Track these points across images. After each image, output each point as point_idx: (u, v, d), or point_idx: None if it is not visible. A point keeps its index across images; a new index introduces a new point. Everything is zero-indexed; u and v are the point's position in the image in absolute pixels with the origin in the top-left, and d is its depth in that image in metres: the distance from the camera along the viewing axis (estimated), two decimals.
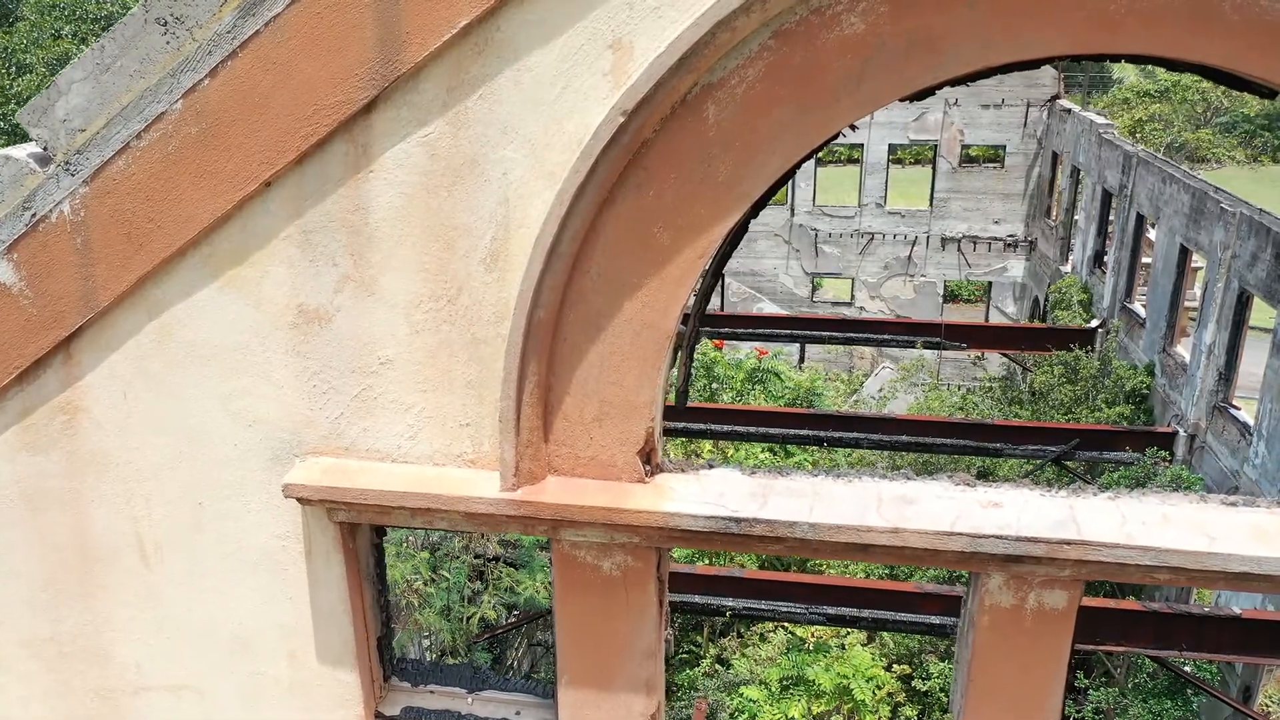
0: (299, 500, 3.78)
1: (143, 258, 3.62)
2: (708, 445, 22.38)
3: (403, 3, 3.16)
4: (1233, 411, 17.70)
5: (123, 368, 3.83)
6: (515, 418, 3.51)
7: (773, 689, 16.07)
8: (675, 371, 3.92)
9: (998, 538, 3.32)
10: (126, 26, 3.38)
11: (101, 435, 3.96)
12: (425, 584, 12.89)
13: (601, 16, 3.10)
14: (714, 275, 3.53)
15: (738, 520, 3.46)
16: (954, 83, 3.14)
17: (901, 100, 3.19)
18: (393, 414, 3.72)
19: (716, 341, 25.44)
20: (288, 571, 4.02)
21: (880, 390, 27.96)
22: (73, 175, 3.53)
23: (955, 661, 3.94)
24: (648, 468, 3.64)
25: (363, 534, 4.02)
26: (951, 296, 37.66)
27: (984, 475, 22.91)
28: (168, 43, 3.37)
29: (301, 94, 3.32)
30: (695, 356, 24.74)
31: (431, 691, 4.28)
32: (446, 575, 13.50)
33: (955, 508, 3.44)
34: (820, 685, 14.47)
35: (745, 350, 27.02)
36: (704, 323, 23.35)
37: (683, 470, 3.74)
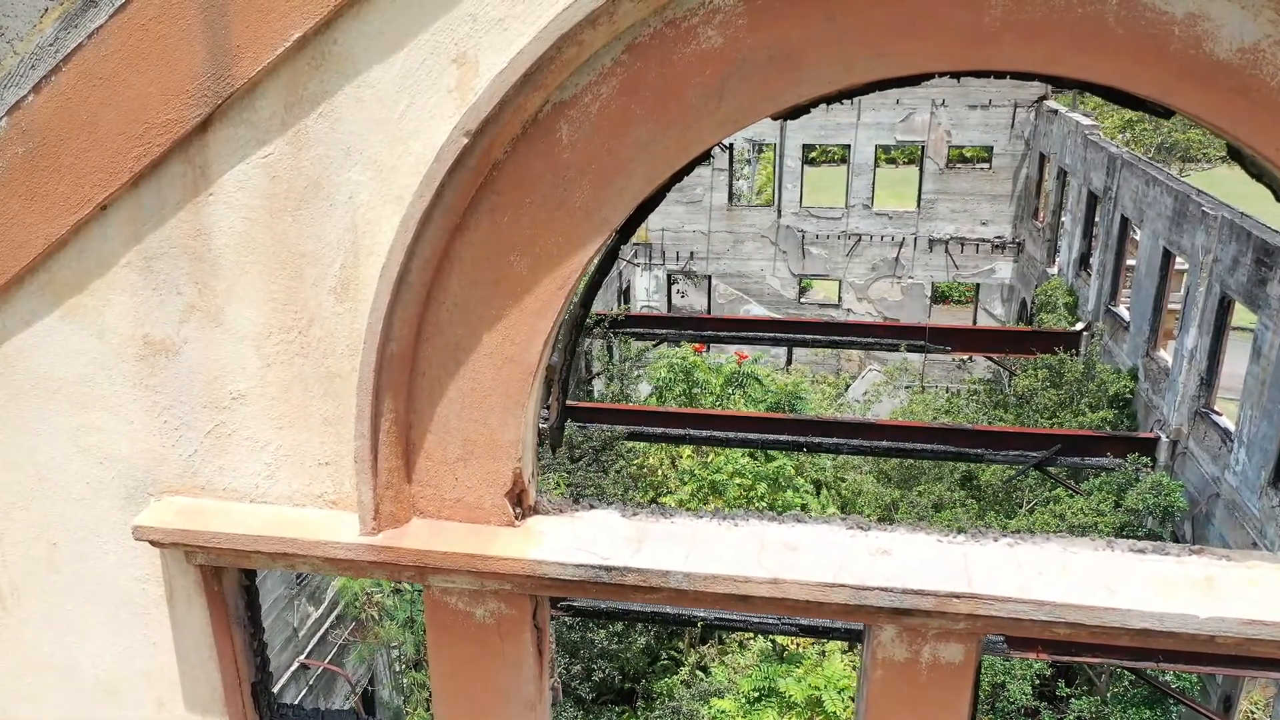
0: (151, 543, 3.54)
1: None
2: (687, 451, 22.14)
3: (231, 14, 2.92)
4: (1214, 417, 17.48)
5: None
6: (372, 457, 3.27)
7: (748, 698, 15.84)
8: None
9: (883, 590, 3.09)
10: None
11: None
12: (386, 596, 12.63)
13: (443, 29, 2.86)
14: (583, 305, 3.29)
15: (608, 569, 3.22)
16: (829, 100, 2.90)
17: (774, 118, 2.96)
18: (248, 451, 3.47)
19: (696, 345, 25.21)
20: (149, 615, 3.78)
21: (865, 394, 27.73)
22: None
23: (855, 714, 3.70)
24: (518, 510, 3.39)
25: (229, 576, 3.78)
26: (942, 298, 37.49)
27: (968, 479, 22.67)
28: None
29: (131, 111, 3.08)
30: (676, 361, 24.52)
31: None
32: (408, 586, 13.24)
33: (841, 556, 3.20)
34: (791, 697, 14.24)
35: (728, 354, 26.79)
36: (691, 327, 23.18)
37: (560, 511, 3.50)
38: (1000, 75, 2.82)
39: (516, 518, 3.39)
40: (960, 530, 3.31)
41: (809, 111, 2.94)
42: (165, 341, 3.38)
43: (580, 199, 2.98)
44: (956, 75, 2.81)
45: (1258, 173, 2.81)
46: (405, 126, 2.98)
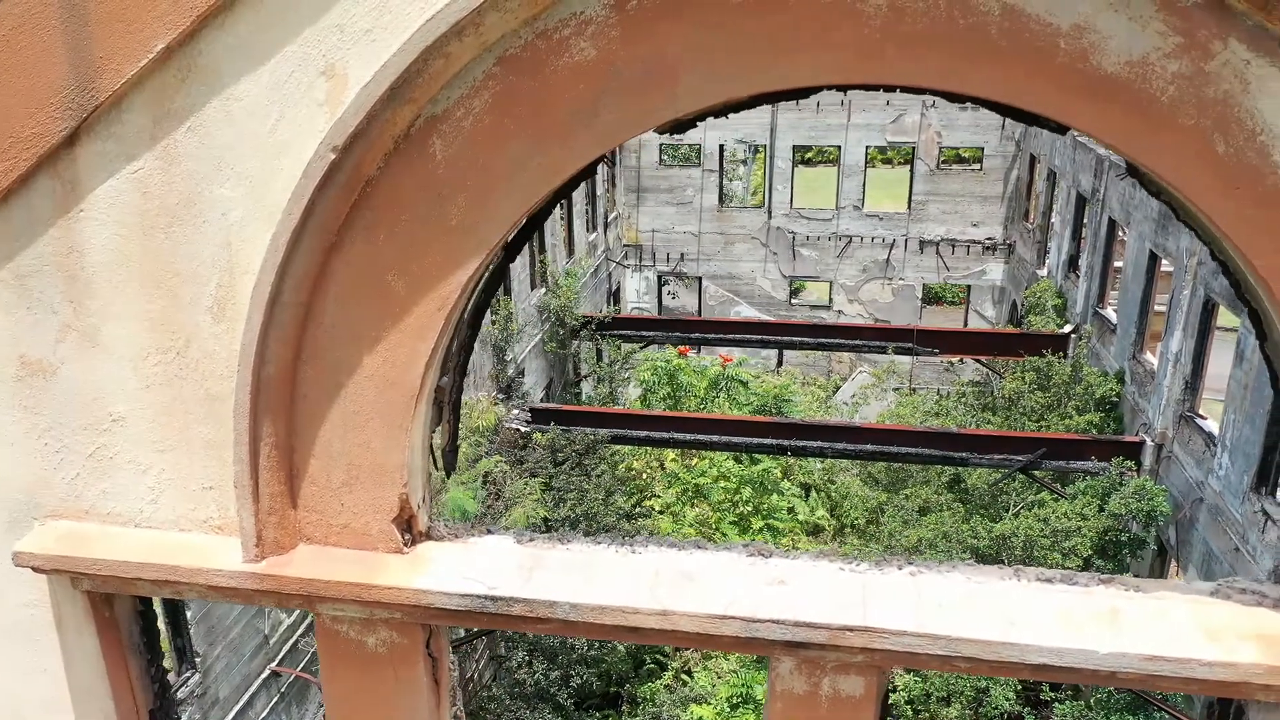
0: (33, 570, 3.42)
1: None
2: (671, 454, 22.04)
3: (94, 24, 2.80)
4: (1198, 421, 17.34)
5: None
6: (252, 483, 3.15)
7: (728, 702, 15.73)
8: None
9: (775, 623, 2.97)
10: None
11: None
12: None
13: (311, 40, 2.74)
14: (471, 326, 3.17)
15: (494, 599, 3.11)
16: (715, 113, 2.78)
17: (658, 132, 2.84)
18: (131, 475, 3.36)
19: (682, 348, 25.09)
20: (39, 642, 3.65)
21: (853, 396, 27.60)
22: None
23: None
24: (408, 536, 3.28)
25: (121, 602, 3.66)
26: (934, 299, 37.31)
27: (955, 483, 22.56)
28: None
29: None
30: (660, 364, 24.42)
31: None
32: None
33: (736, 587, 3.08)
34: None
35: (716, 356, 26.65)
36: (680, 329, 22.82)
37: (455, 537, 3.38)
38: (890, 89, 2.71)
39: (406, 544, 3.27)
40: (864, 559, 3.20)
41: (695, 125, 2.82)
42: (42, 362, 3.26)
43: (457, 217, 2.86)
44: (844, 89, 2.69)
45: (1156, 190, 2.69)
46: (276, 141, 2.86)
